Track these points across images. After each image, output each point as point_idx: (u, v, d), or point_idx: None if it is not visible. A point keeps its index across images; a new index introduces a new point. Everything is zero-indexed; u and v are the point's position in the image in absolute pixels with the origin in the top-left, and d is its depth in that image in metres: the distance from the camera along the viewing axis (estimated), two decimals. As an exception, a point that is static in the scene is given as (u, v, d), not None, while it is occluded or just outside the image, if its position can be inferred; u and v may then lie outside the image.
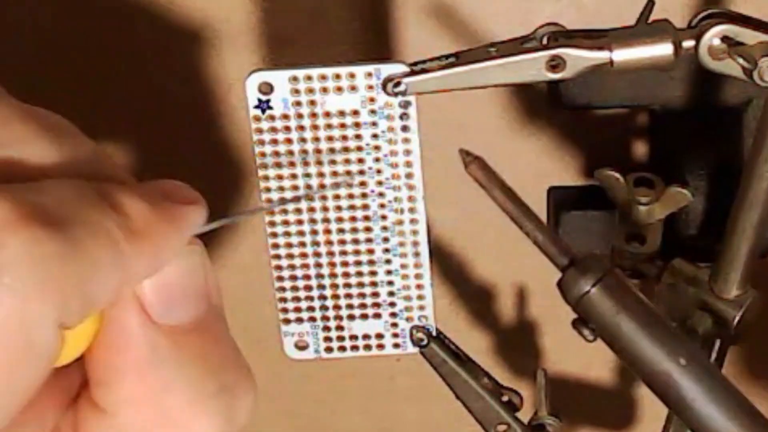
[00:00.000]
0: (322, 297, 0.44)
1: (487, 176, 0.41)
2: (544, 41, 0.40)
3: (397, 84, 0.40)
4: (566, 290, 0.40)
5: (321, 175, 0.42)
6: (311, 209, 0.42)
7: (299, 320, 0.44)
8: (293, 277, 0.43)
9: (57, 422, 0.34)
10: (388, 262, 0.43)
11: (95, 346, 0.33)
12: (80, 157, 0.34)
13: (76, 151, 0.34)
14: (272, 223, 0.43)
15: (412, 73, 0.40)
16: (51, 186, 0.32)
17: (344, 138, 0.41)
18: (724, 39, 0.39)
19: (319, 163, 0.41)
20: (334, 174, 0.42)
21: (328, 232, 0.43)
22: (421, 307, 0.44)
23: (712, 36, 0.38)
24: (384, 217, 0.42)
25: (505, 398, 0.46)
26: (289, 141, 0.41)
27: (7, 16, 0.60)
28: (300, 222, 0.42)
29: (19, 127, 0.33)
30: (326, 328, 0.44)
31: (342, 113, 0.41)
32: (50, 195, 0.31)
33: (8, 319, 0.29)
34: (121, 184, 0.33)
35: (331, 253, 0.43)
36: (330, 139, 0.41)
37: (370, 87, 0.40)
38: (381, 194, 0.42)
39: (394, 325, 0.44)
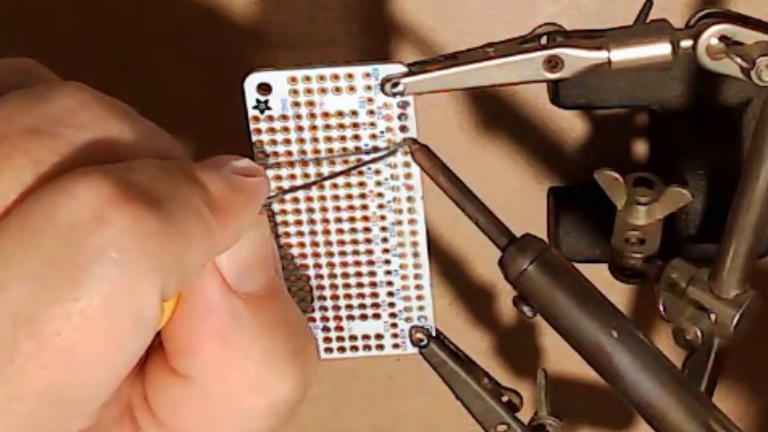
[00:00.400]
0: (322, 297, 0.44)
1: (432, 163, 0.42)
2: (543, 41, 0.40)
3: (396, 84, 0.40)
4: (506, 268, 0.42)
5: (320, 175, 0.42)
6: (310, 210, 0.42)
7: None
8: (293, 278, 0.44)
9: (123, 391, 0.35)
10: (387, 262, 0.43)
11: (177, 316, 0.34)
12: (152, 137, 0.35)
13: (148, 132, 0.35)
14: (272, 224, 0.43)
15: (410, 73, 0.40)
16: (141, 165, 0.33)
17: (343, 138, 0.41)
18: (722, 39, 0.39)
19: (318, 163, 0.41)
20: (333, 174, 0.42)
21: (327, 232, 0.43)
22: (421, 308, 0.44)
23: (710, 36, 0.38)
24: (383, 218, 0.42)
25: (505, 398, 0.46)
26: (287, 141, 0.41)
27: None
28: (299, 223, 0.43)
29: (98, 109, 0.34)
30: (326, 329, 0.44)
31: (340, 114, 0.41)
32: (143, 174, 0.32)
33: (118, 292, 0.31)
34: (203, 163, 0.35)
35: (330, 254, 0.43)
36: (328, 139, 0.41)
37: (369, 87, 0.40)
38: (380, 195, 0.42)
39: (394, 325, 0.44)
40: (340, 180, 0.42)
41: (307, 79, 0.40)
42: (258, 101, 0.41)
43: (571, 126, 0.61)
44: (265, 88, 0.40)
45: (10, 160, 0.32)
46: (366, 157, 0.42)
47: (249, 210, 0.36)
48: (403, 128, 0.41)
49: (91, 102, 0.34)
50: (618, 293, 0.64)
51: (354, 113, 0.41)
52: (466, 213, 0.42)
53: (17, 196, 0.32)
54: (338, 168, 0.42)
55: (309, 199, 0.42)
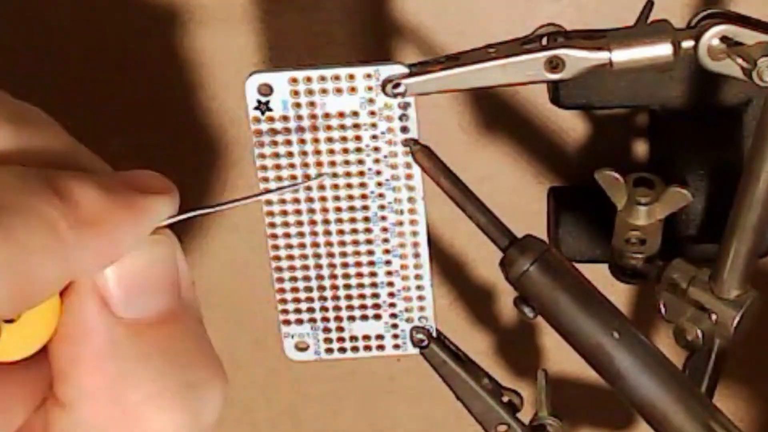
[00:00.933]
0: (323, 298, 0.44)
1: (433, 163, 0.42)
2: (544, 42, 0.40)
3: (396, 85, 0.40)
4: (507, 269, 0.42)
5: (321, 176, 0.42)
6: (311, 210, 0.42)
7: (299, 321, 0.44)
8: (293, 279, 0.43)
9: (28, 418, 0.33)
10: (388, 263, 0.43)
11: (56, 338, 0.32)
12: (41, 146, 0.33)
13: (38, 140, 0.33)
14: (272, 225, 0.43)
15: (411, 74, 0.40)
16: None
17: (344, 139, 0.41)
18: (723, 39, 0.38)
19: (319, 164, 0.41)
20: (334, 175, 0.42)
21: (328, 233, 0.43)
22: (422, 308, 0.44)
23: (711, 36, 0.38)
24: (384, 218, 0.42)
25: (505, 399, 0.46)
26: (288, 142, 0.41)
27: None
28: (300, 223, 0.42)
29: None
30: (326, 330, 0.44)
31: (341, 114, 0.41)
32: None
33: None
34: (80, 174, 0.32)
35: (331, 254, 0.43)
36: (330, 140, 0.41)
37: (370, 88, 0.40)
38: (381, 195, 0.42)
39: (395, 326, 0.44)
40: (341, 181, 0.42)
41: (308, 79, 0.40)
42: (259, 102, 0.41)
43: (571, 126, 0.61)
44: (266, 89, 0.40)
45: None
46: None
47: (129, 228, 0.33)
48: (404, 129, 0.41)
49: None
50: (618, 293, 0.64)
51: (355, 114, 0.41)
52: (467, 213, 0.42)
53: None
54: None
55: (310, 199, 0.42)
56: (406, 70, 0.40)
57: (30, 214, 0.30)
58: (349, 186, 0.42)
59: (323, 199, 0.42)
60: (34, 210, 0.31)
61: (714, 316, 0.45)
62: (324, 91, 0.40)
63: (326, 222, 0.42)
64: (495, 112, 0.61)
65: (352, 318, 0.44)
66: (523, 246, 0.42)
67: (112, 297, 0.33)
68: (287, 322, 0.44)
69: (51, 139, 0.33)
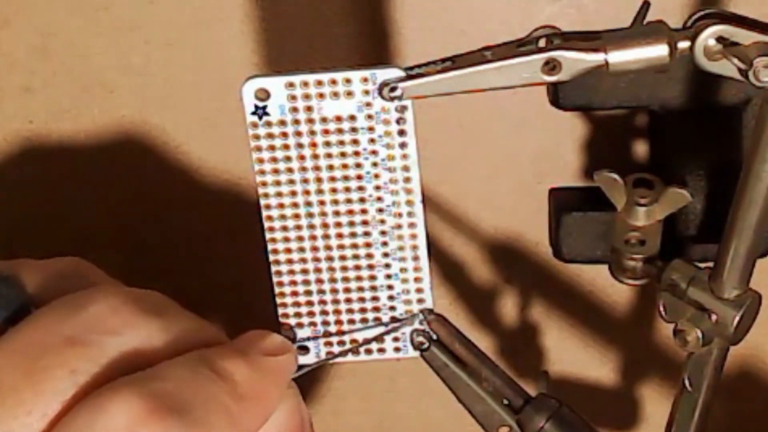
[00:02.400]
0: (323, 302, 0.44)
1: (448, 331, 0.45)
2: (540, 44, 0.40)
3: (393, 89, 0.40)
4: (524, 427, 0.45)
5: (319, 180, 0.42)
6: (309, 215, 0.42)
7: (299, 325, 0.44)
8: (293, 283, 0.44)
9: None
10: (387, 266, 0.43)
11: None
12: (183, 330, 0.38)
13: (179, 326, 0.38)
14: (271, 229, 0.43)
15: (408, 77, 0.40)
16: (168, 369, 0.36)
17: (341, 143, 0.41)
18: (720, 39, 0.38)
19: (317, 169, 0.41)
20: (332, 180, 0.42)
21: (327, 237, 0.43)
22: (421, 311, 0.44)
23: (707, 37, 0.38)
24: (382, 222, 0.43)
25: (506, 401, 0.46)
26: (286, 147, 0.41)
27: None
28: (299, 228, 0.43)
29: (128, 314, 0.37)
30: (327, 333, 0.44)
31: (339, 119, 0.41)
32: (171, 379, 0.36)
33: None
34: (225, 350, 0.38)
35: (330, 258, 0.43)
36: (327, 144, 0.41)
37: (367, 92, 0.40)
38: (379, 199, 0.42)
39: (395, 329, 0.44)
40: (340, 185, 0.42)
41: (305, 84, 0.40)
42: (256, 107, 0.41)
43: (571, 126, 0.61)
44: (263, 94, 0.40)
45: (50, 372, 0.35)
46: (381, 330, 0.44)
47: (276, 392, 0.39)
48: (401, 132, 0.41)
49: (121, 307, 0.37)
50: (618, 294, 0.64)
51: (352, 118, 0.41)
52: (483, 378, 0.45)
53: (59, 408, 0.35)
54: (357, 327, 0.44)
55: (308, 204, 0.42)
56: (402, 74, 0.40)
57: (211, 404, 0.36)
58: (347, 190, 0.42)
59: (322, 203, 0.42)
60: (213, 399, 0.36)
61: (714, 317, 0.45)
62: (321, 96, 0.40)
63: (325, 226, 0.43)
64: (495, 111, 0.61)
65: (352, 321, 0.44)
66: (537, 405, 0.45)
67: None
68: (288, 327, 0.44)
69: (184, 320, 0.39)
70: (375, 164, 0.41)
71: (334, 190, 0.42)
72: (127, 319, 0.37)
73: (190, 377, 0.36)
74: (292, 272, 0.43)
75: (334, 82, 0.40)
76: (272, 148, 0.41)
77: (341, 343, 0.44)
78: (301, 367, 0.44)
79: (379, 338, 0.44)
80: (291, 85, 0.40)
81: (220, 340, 0.40)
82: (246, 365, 0.38)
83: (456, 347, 0.45)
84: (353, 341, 0.44)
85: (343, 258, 0.43)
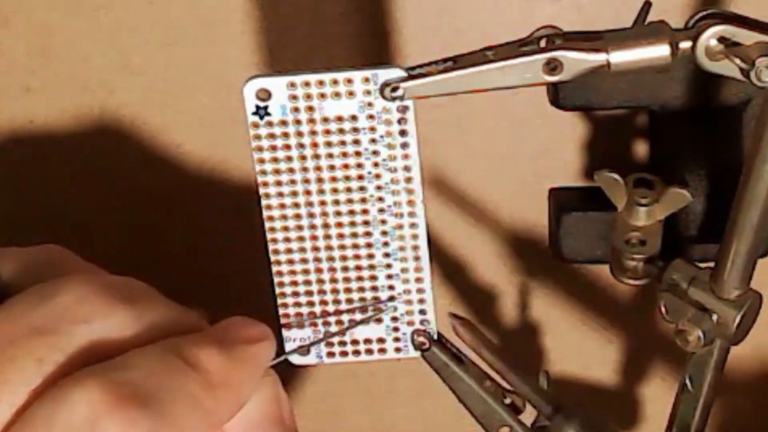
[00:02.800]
0: (324, 302, 0.44)
1: (474, 335, 0.45)
2: (542, 44, 0.40)
3: (395, 89, 0.40)
4: None
5: (320, 180, 0.42)
6: (311, 215, 0.42)
7: (301, 326, 0.44)
8: (294, 283, 0.43)
9: None
10: (388, 266, 0.43)
11: None
12: (157, 318, 0.38)
13: (154, 314, 0.38)
14: (272, 229, 0.43)
15: (410, 77, 0.40)
16: (136, 358, 0.36)
17: (342, 143, 0.41)
18: (721, 39, 0.38)
19: (318, 169, 0.41)
20: (333, 180, 0.42)
21: (328, 237, 0.43)
22: (422, 311, 0.44)
23: (709, 37, 0.38)
24: (383, 222, 0.42)
25: (507, 401, 0.46)
26: (287, 147, 0.41)
27: None
28: (300, 228, 0.42)
29: (97, 302, 0.37)
30: (328, 334, 0.44)
31: (340, 119, 0.41)
32: (137, 369, 0.35)
33: None
34: (198, 338, 0.37)
35: (331, 258, 0.43)
36: (328, 144, 0.41)
37: (368, 92, 0.40)
38: (380, 199, 0.42)
39: (396, 329, 0.44)
40: (341, 185, 0.42)
41: (307, 84, 0.40)
42: (257, 107, 0.41)
43: (571, 126, 0.61)
44: (264, 94, 0.40)
45: (16, 362, 0.35)
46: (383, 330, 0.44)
47: (250, 381, 0.38)
48: (402, 132, 0.41)
49: (90, 296, 0.37)
50: (619, 294, 0.64)
51: (354, 118, 0.41)
52: (509, 383, 0.45)
53: (26, 397, 0.34)
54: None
55: (310, 204, 0.42)
56: (404, 74, 0.40)
57: (179, 394, 0.35)
58: (349, 190, 0.42)
59: (323, 203, 0.42)
60: (182, 389, 0.36)
61: (715, 317, 0.45)
62: (322, 96, 0.40)
63: (326, 226, 0.42)
64: (495, 111, 0.61)
65: (353, 321, 0.44)
66: (568, 413, 0.46)
67: None
68: (288, 326, 0.44)
69: (159, 308, 0.38)
70: (376, 164, 0.41)
71: (335, 191, 0.42)
72: (96, 307, 0.37)
73: (157, 366, 0.36)
74: (293, 272, 0.43)
75: (335, 82, 0.40)
76: (273, 148, 0.41)
77: (342, 343, 0.44)
78: (299, 366, 0.44)
79: (365, 320, 0.44)
80: (292, 85, 0.40)
81: (199, 327, 0.39)
82: (218, 353, 0.37)
83: (483, 353, 0.45)
84: (354, 341, 0.44)
85: (344, 258, 0.43)
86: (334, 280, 0.43)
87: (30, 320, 0.36)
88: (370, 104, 0.40)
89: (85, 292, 0.37)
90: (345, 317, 0.44)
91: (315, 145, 0.41)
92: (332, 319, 0.44)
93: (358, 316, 0.44)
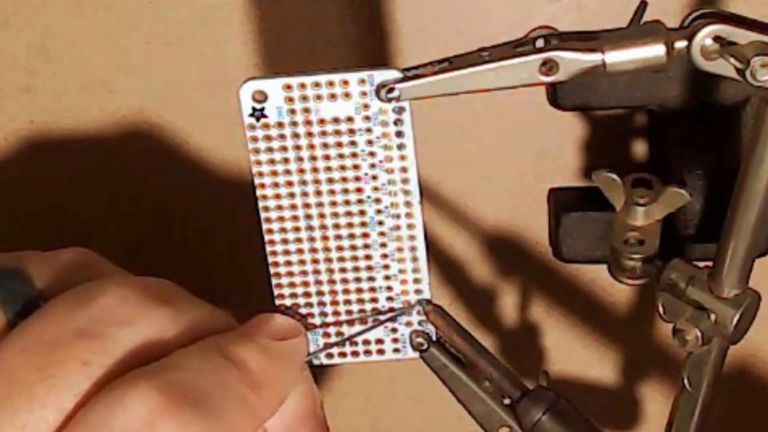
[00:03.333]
0: (321, 304, 0.44)
1: (446, 322, 0.44)
2: (538, 44, 0.40)
3: (391, 90, 0.40)
4: (521, 419, 0.45)
5: (317, 182, 0.42)
6: (308, 216, 0.42)
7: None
8: (292, 285, 0.44)
9: None
10: (386, 267, 0.43)
11: None
12: (194, 318, 0.38)
13: (190, 314, 0.38)
14: (270, 231, 0.43)
15: (405, 78, 0.40)
16: (182, 359, 0.36)
17: (339, 145, 0.41)
18: (716, 39, 0.38)
19: (315, 170, 0.41)
20: (330, 181, 0.42)
21: (325, 239, 0.43)
22: (420, 312, 0.44)
23: (704, 36, 0.38)
24: (381, 223, 0.42)
25: (506, 401, 0.46)
26: (284, 149, 0.41)
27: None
28: (297, 230, 0.43)
29: (138, 304, 0.37)
30: (326, 335, 0.44)
31: (336, 120, 0.41)
32: (185, 370, 0.36)
33: None
34: (238, 337, 0.38)
35: (329, 260, 0.43)
36: (325, 146, 0.41)
37: (364, 93, 0.40)
38: (377, 200, 0.42)
39: (394, 330, 0.44)
40: (338, 186, 0.42)
41: (302, 86, 0.40)
42: (254, 109, 0.41)
43: (571, 126, 0.61)
44: (260, 96, 0.40)
45: (62, 365, 0.35)
46: (383, 317, 0.44)
47: (290, 377, 0.39)
48: (399, 134, 0.41)
49: (130, 298, 0.37)
50: (618, 293, 0.64)
51: (350, 119, 0.41)
52: (480, 369, 0.45)
53: (74, 401, 0.35)
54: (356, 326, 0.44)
55: (307, 206, 0.42)
56: (399, 75, 0.40)
57: (228, 394, 0.36)
58: (346, 191, 0.42)
59: (320, 205, 0.42)
60: (229, 388, 0.36)
61: (713, 316, 0.45)
62: (318, 97, 0.40)
63: (323, 228, 0.43)
64: (495, 112, 0.61)
65: (351, 323, 0.44)
66: (535, 397, 0.45)
67: (275, 429, 0.39)
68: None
69: (194, 308, 0.39)
70: (373, 165, 0.41)
71: (332, 192, 0.42)
72: (137, 309, 0.37)
73: (205, 367, 0.36)
74: (290, 273, 0.43)
75: (331, 83, 0.40)
76: (270, 150, 0.41)
77: (341, 344, 0.44)
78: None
79: (376, 325, 0.44)
80: (288, 87, 0.40)
81: (231, 326, 0.40)
82: (259, 352, 0.38)
83: (454, 338, 0.44)
84: (352, 342, 0.44)
85: (341, 259, 0.43)
86: (331, 282, 0.43)
87: (73, 323, 0.36)
88: (366, 105, 0.40)
89: (125, 293, 0.37)
90: (343, 318, 0.44)
91: (312, 146, 0.41)
92: (330, 319, 0.44)
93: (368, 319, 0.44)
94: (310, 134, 0.41)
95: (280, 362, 0.39)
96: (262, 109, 0.41)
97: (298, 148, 0.41)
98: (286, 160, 0.41)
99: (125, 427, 0.34)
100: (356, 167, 0.41)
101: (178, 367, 0.36)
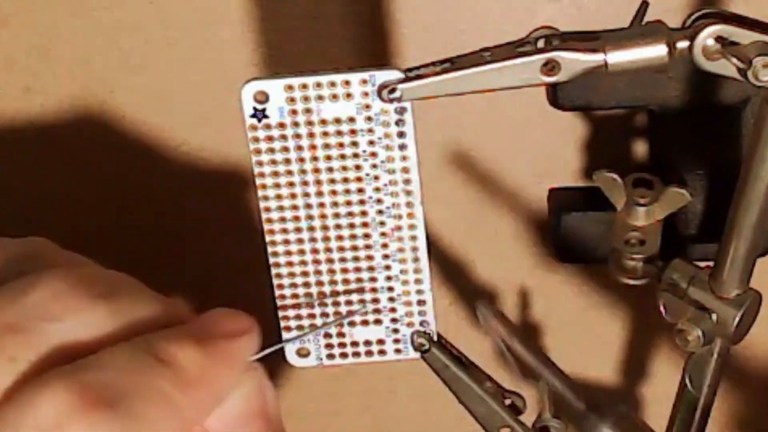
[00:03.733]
0: (323, 304, 0.44)
1: (508, 328, 0.46)
2: (539, 45, 0.40)
3: (392, 90, 0.40)
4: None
5: (318, 182, 0.42)
6: (309, 217, 0.42)
7: (300, 328, 0.44)
8: (293, 285, 0.43)
9: None
10: (387, 268, 0.43)
11: None
12: (136, 315, 0.37)
13: (133, 310, 0.37)
14: (271, 231, 0.43)
15: (407, 79, 0.40)
16: (107, 357, 0.35)
17: (341, 145, 0.41)
18: (718, 39, 0.38)
19: (317, 171, 0.41)
20: (332, 181, 0.42)
21: (327, 239, 0.43)
22: (422, 312, 0.44)
23: (706, 36, 0.38)
24: (382, 224, 0.42)
25: (507, 401, 0.46)
26: (285, 149, 0.41)
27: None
28: (299, 230, 0.42)
29: (72, 299, 0.36)
30: (327, 335, 0.44)
31: (338, 120, 0.41)
32: (107, 369, 0.34)
33: None
34: (174, 333, 0.37)
35: (330, 260, 0.43)
36: (326, 146, 0.41)
37: (366, 94, 0.40)
38: (379, 201, 0.42)
39: (395, 330, 0.44)
40: (339, 187, 0.42)
41: (304, 87, 0.40)
42: (255, 110, 0.41)
43: (571, 126, 0.61)
44: (262, 97, 0.40)
45: None
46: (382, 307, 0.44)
47: (228, 377, 0.37)
48: (400, 134, 0.41)
49: (65, 292, 0.36)
50: (619, 294, 0.64)
51: (351, 120, 0.41)
52: (542, 377, 0.46)
53: (0, 396, 0.34)
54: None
55: (308, 206, 0.42)
56: (401, 75, 0.40)
57: (149, 393, 0.35)
58: (347, 192, 0.42)
59: (321, 205, 0.42)
60: (152, 388, 0.35)
61: (714, 316, 0.45)
62: (320, 98, 0.40)
63: (325, 228, 0.42)
64: (495, 111, 0.61)
65: (352, 323, 0.44)
66: (602, 412, 0.46)
67: (215, 429, 0.38)
68: (288, 329, 0.44)
69: (141, 302, 0.38)
70: (374, 166, 0.41)
71: (333, 192, 0.42)
72: (70, 304, 0.36)
73: (128, 366, 0.35)
74: (292, 274, 0.43)
75: (333, 84, 0.40)
76: (272, 150, 0.41)
77: (342, 344, 0.44)
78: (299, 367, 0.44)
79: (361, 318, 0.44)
80: (290, 87, 0.40)
81: (184, 320, 0.38)
82: (194, 349, 0.36)
83: (515, 345, 0.44)
84: (354, 342, 0.44)
85: (343, 260, 0.43)
86: (333, 282, 0.43)
87: (3, 318, 0.35)
88: (367, 106, 0.40)
89: (61, 288, 0.36)
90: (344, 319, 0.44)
91: (313, 147, 0.41)
92: (332, 320, 0.44)
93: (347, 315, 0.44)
94: (311, 135, 0.41)
95: (217, 361, 0.37)
96: (264, 110, 0.41)
97: (299, 148, 0.41)
98: (287, 161, 0.41)
99: (36, 427, 0.33)
100: (358, 167, 0.41)
101: (98, 366, 0.35)
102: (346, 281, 0.43)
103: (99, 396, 0.33)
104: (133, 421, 0.34)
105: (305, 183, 0.42)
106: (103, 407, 0.33)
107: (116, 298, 0.37)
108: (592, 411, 0.45)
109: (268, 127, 0.41)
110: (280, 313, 0.44)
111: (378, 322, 0.44)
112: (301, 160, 0.41)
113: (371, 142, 0.41)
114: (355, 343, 0.44)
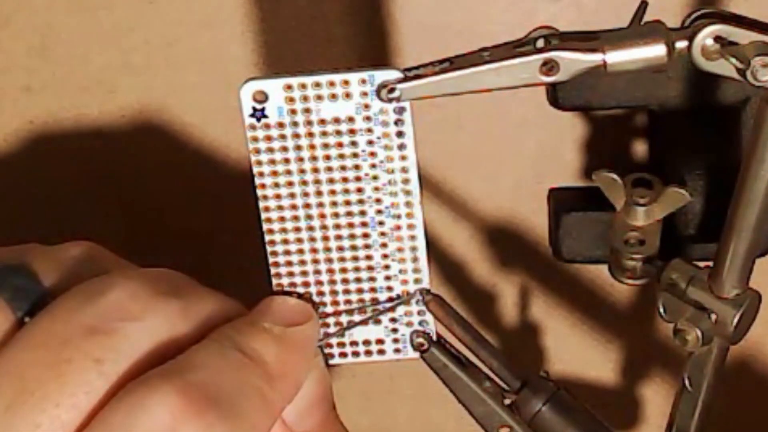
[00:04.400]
0: (322, 304, 0.44)
1: (445, 311, 0.45)
2: (538, 44, 0.40)
3: (391, 90, 0.40)
4: (521, 409, 0.45)
5: (317, 182, 0.42)
6: (308, 216, 0.42)
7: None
8: (292, 285, 0.43)
9: None
10: (386, 267, 0.43)
11: None
12: (203, 308, 0.38)
13: (199, 304, 0.38)
14: (270, 231, 0.43)
15: (406, 79, 0.40)
16: (198, 357, 0.36)
17: (340, 145, 0.41)
18: (717, 39, 0.38)
19: (316, 170, 0.41)
20: (331, 181, 0.42)
21: (326, 239, 0.43)
22: (421, 312, 0.44)
23: (705, 36, 0.38)
24: (381, 223, 0.42)
25: (507, 401, 0.46)
26: (284, 149, 0.41)
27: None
28: (298, 230, 0.42)
29: (147, 298, 0.37)
30: (326, 335, 0.44)
31: (337, 120, 0.41)
32: (203, 369, 0.35)
33: None
34: (252, 328, 0.38)
35: (329, 260, 0.43)
36: (326, 146, 0.41)
37: (365, 93, 0.40)
38: (378, 200, 0.42)
39: (395, 330, 0.44)
40: (338, 187, 0.42)
41: (303, 86, 0.40)
42: (254, 109, 0.41)
43: (571, 126, 0.61)
44: (261, 96, 0.40)
45: (74, 364, 0.34)
46: (381, 307, 0.44)
47: (304, 365, 0.39)
48: (399, 134, 0.41)
49: (139, 292, 0.36)
50: (618, 294, 0.64)
51: (351, 120, 0.41)
52: (480, 358, 0.45)
53: (89, 400, 0.34)
54: (357, 316, 0.44)
55: (307, 206, 0.42)
56: (400, 75, 0.40)
57: (247, 391, 0.36)
58: (346, 192, 0.42)
59: (321, 205, 0.42)
60: (247, 384, 0.36)
61: (713, 316, 0.45)
62: (319, 98, 0.40)
63: (324, 228, 0.42)
64: (495, 111, 0.61)
65: (352, 323, 0.44)
66: (535, 387, 0.45)
67: (290, 420, 0.39)
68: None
69: (203, 298, 0.39)
70: (373, 166, 0.41)
71: (332, 192, 0.42)
72: (147, 303, 0.36)
73: (222, 364, 0.36)
74: (291, 274, 0.43)
75: (332, 84, 0.40)
76: (271, 150, 0.41)
77: (341, 344, 0.44)
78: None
79: (375, 314, 0.44)
80: (289, 87, 0.40)
81: (241, 313, 0.39)
82: (273, 342, 0.37)
83: (454, 328, 0.44)
84: (353, 342, 0.44)
85: (342, 259, 0.43)
86: (332, 282, 0.43)
87: (82, 320, 0.35)
88: (367, 106, 0.40)
89: (134, 287, 0.37)
90: (343, 318, 0.44)
91: (312, 146, 0.41)
92: (331, 320, 0.44)
93: (358, 318, 0.44)
94: (310, 134, 0.41)
95: (293, 351, 0.38)
96: (263, 110, 0.41)
97: (298, 148, 0.41)
98: (286, 161, 0.41)
99: (150, 431, 0.33)
100: (357, 167, 0.41)
101: (196, 366, 0.35)
102: (345, 281, 0.43)
103: (207, 397, 0.34)
104: (238, 418, 0.34)
105: (304, 183, 0.42)
106: (212, 407, 0.34)
107: (183, 294, 0.38)
108: (526, 387, 0.45)
109: (267, 126, 0.41)
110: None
111: (377, 322, 0.44)
112: (300, 159, 0.41)
113: (370, 142, 0.41)
114: (354, 343, 0.44)
